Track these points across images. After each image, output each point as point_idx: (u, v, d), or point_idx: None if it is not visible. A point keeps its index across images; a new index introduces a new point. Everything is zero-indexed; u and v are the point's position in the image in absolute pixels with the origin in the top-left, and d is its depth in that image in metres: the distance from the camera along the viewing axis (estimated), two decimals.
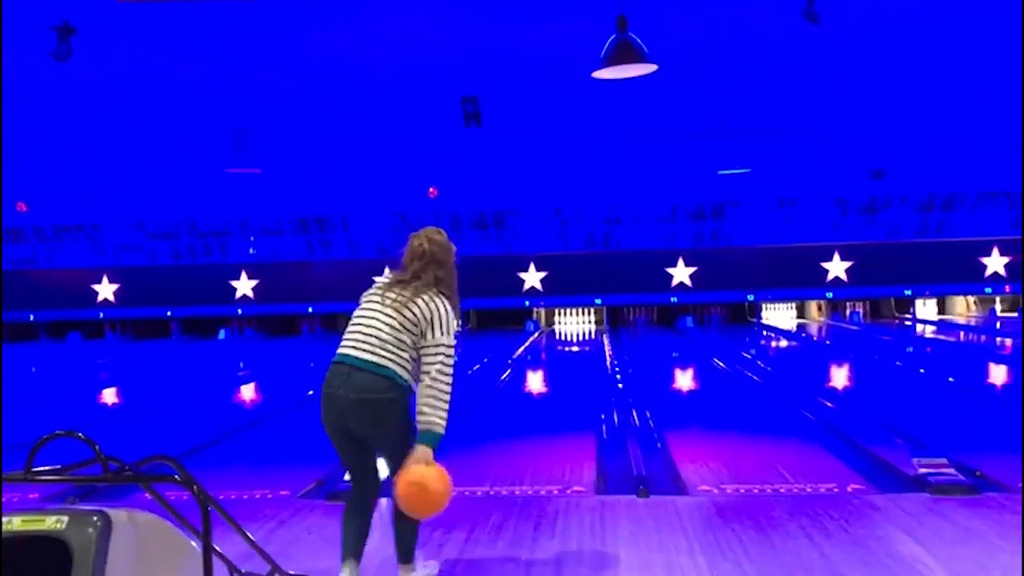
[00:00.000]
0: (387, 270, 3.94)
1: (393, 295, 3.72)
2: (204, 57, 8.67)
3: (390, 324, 3.65)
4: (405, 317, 3.65)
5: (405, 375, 3.64)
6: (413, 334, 3.64)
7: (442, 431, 3.57)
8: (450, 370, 3.64)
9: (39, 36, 6.96)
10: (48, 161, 13.62)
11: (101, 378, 14.60)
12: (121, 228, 21.62)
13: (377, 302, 3.74)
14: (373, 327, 3.67)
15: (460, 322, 3.92)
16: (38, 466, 2.65)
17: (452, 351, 3.66)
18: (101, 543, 2.29)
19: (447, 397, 3.60)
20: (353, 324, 3.77)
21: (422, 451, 3.51)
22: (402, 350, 3.63)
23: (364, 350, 3.63)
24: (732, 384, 11.58)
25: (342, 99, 10.60)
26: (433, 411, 3.55)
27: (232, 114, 11.18)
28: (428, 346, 3.62)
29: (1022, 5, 7.13)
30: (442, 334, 3.63)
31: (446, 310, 3.69)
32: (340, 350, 3.71)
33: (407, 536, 3.86)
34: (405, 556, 3.90)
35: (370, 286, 3.90)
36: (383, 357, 3.61)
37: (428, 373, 3.59)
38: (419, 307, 3.66)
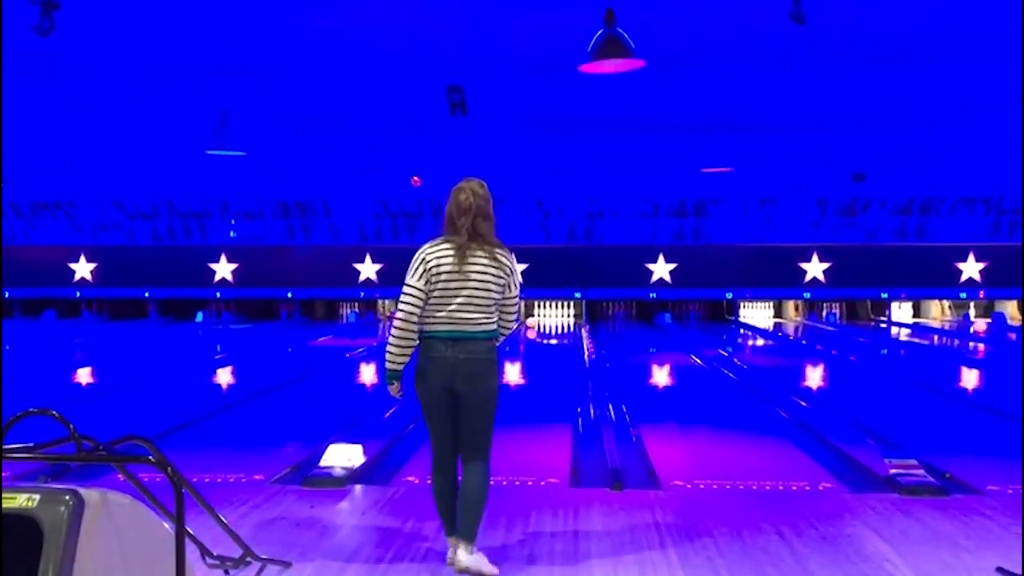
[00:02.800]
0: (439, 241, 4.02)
1: (474, 267, 3.90)
2: (188, 35, 8.59)
3: (482, 296, 3.91)
4: (496, 284, 3.94)
5: (494, 326, 4.02)
6: (498, 295, 3.98)
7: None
8: (518, 308, 4.21)
9: (20, 9, 6.87)
10: (26, 136, 13.45)
11: (76, 357, 14.48)
12: (99, 206, 21.41)
13: (457, 275, 3.89)
14: (474, 298, 3.90)
15: None
16: (10, 444, 2.63)
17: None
18: (73, 522, 2.28)
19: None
20: (440, 303, 3.90)
21: None
22: (494, 310, 3.99)
23: (466, 322, 3.90)
24: (708, 381, 11.65)
25: (327, 83, 10.53)
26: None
27: (215, 95, 11.08)
28: (509, 298, 4.04)
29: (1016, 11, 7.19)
30: (516, 286, 4.08)
31: (516, 265, 4.08)
32: (434, 327, 3.91)
33: (477, 517, 4.01)
34: (470, 535, 3.99)
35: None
36: (483, 323, 3.94)
37: (508, 319, 4.08)
38: (502, 273, 3.95)
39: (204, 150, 11.99)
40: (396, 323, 3.91)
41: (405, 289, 3.91)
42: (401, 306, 3.91)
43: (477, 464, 4.01)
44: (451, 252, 3.89)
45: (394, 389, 4.00)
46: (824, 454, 6.96)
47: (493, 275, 3.92)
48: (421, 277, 3.88)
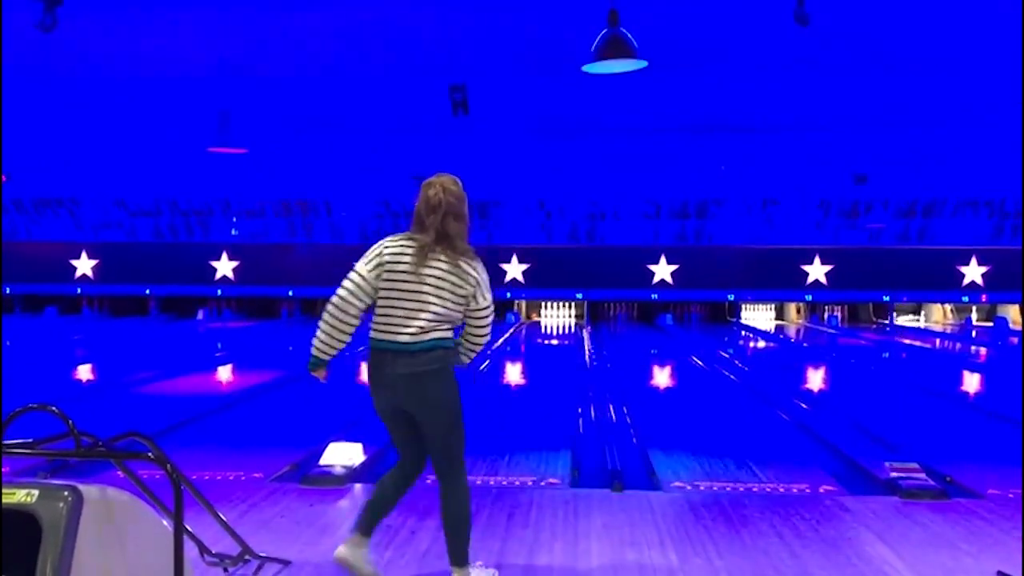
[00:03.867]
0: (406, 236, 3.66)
1: (432, 271, 3.51)
2: (191, 34, 8.59)
3: (436, 305, 3.52)
4: (454, 294, 3.54)
5: (444, 335, 3.58)
6: (460, 305, 3.59)
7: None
8: (490, 321, 3.75)
9: (24, 5, 6.87)
10: (29, 134, 13.46)
11: (77, 354, 14.48)
12: (101, 204, 21.44)
13: (413, 276, 3.52)
14: (423, 308, 3.51)
15: None
16: (10, 439, 2.62)
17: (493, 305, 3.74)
18: (72, 518, 2.27)
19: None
20: (389, 305, 3.53)
21: None
22: (448, 320, 3.58)
23: (409, 333, 3.50)
24: (709, 382, 11.64)
25: (330, 82, 10.54)
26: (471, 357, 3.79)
27: (217, 94, 11.09)
28: (475, 311, 3.64)
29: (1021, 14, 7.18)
30: (484, 298, 3.65)
31: (485, 275, 3.66)
32: (379, 335, 3.55)
33: (462, 540, 3.69)
34: (458, 559, 3.69)
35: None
36: (431, 331, 3.52)
37: (475, 334, 3.69)
38: (463, 283, 3.55)
39: (206, 148, 12.00)
40: (328, 308, 3.55)
41: (349, 274, 3.56)
42: (338, 291, 3.55)
43: (448, 485, 3.65)
44: (411, 250, 3.54)
45: (319, 374, 3.64)
46: (825, 456, 6.96)
47: (452, 283, 3.52)
48: (374, 269, 3.54)
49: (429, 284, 3.51)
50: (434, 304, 3.51)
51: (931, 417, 9.20)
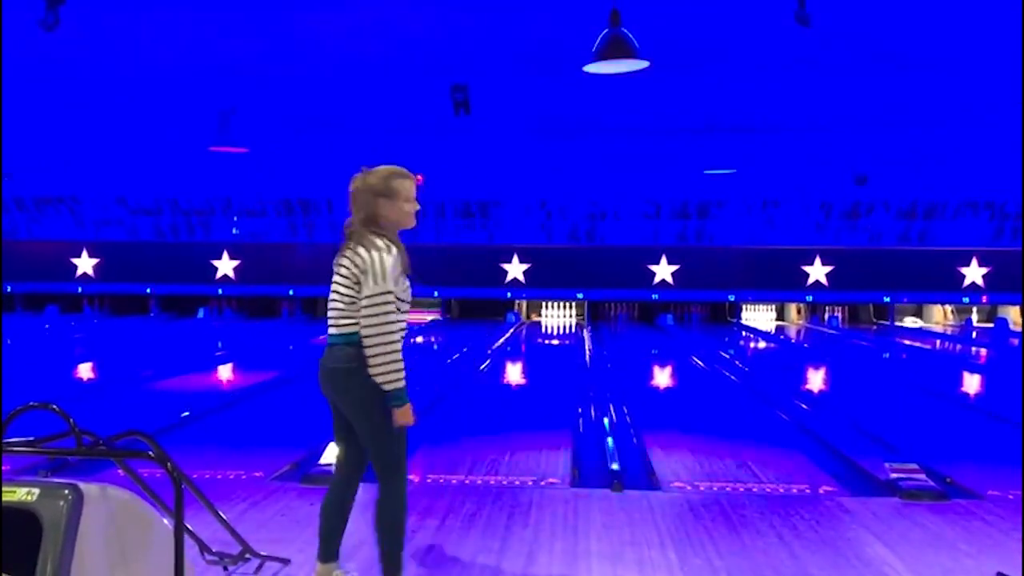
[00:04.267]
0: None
1: (341, 262, 3.55)
2: (192, 33, 8.60)
3: (342, 292, 3.52)
4: (352, 281, 3.48)
5: (355, 329, 3.51)
6: (356, 293, 3.48)
7: (398, 385, 3.42)
8: (385, 320, 3.40)
9: (26, 4, 6.87)
10: (30, 131, 13.47)
11: (78, 352, 14.49)
12: (102, 203, 21.44)
13: (334, 271, 3.61)
14: (333, 298, 3.57)
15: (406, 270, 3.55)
16: (11, 437, 2.63)
17: (386, 298, 3.41)
18: (72, 516, 2.28)
19: (388, 351, 3.40)
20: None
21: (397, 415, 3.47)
22: (350, 312, 3.51)
23: (330, 323, 3.59)
24: (710, 383, 11.63)
25: (331, 82, 10.55)
26: (383, 375, 3.41)
27: (219, 93, 11.09)
28: (363, 297, 3.44)
29: (1020, 16, 7.18)
30: (370, 287, 3.41)
31: (383, 264, 3.42)
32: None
33: (383, 548, 3.60)
34: (386, 568, 3.61)
35: None
36: (342, 324, 3.51)
37: (362, 327, 3.42)
38: (356, 269, 3.47)
39: (207, 147, 12.00)
40: None
41: None
42: None
43: (381, 489, 3.58)
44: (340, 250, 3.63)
45: None
46: (825, 457, 6.96)
47: (350, 272, 3.48)
48: None
49: (337, 273, 3.57)
50: (337, 293, 3.53)
51: (931, 418, 9.19)
